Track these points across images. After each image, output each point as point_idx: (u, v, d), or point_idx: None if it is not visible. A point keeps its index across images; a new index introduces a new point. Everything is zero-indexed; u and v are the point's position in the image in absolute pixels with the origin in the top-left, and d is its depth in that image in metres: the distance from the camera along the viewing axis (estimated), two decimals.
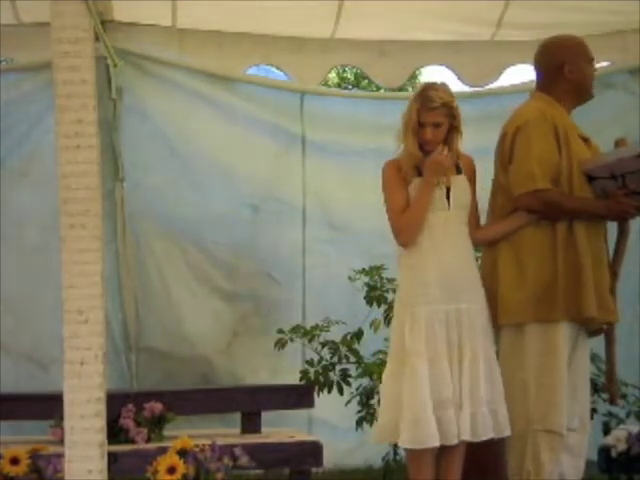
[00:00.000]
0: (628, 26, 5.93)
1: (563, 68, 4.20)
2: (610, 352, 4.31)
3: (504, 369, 4.13)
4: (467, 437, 3.99)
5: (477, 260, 4.29)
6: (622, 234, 4.25)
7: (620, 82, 6.09)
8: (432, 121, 4.08)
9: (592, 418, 5.24)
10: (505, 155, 4.14)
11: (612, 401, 4.40)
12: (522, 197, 4.07)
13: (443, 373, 4.01)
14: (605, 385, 4.41)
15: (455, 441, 4.00)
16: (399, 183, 4.11)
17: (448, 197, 4.11)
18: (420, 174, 4.10)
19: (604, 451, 4.43)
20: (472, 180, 4.23)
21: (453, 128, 4.13)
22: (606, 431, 5.18)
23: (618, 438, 4.45)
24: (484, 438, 4.03)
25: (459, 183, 4.16)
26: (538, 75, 4.30)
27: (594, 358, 5.23)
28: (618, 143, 4.24)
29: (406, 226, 4.08)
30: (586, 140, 4.21)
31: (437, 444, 3.96)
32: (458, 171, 4.18)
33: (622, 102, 6.03)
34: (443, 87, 4.14)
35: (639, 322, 5.40)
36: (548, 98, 4.19)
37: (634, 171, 4.01)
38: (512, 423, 4.08)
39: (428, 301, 4.06)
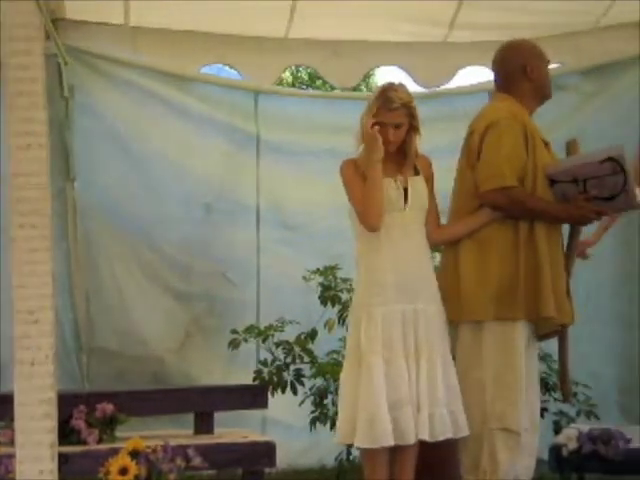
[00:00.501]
0: (580, 27, 5.99)
1: (525, 69, 4.23)
2: (563, 352, 4.35)
3: (462, 366, 4.15)
4: (425, 437, 4.00)
5: (433, 260, 4.31)
6: (574, 234, 4.30)
7: (572, 84, 6.15)
8: (393, 122, 4.09)
9: (543, 417, 5.30)
10: (473, 153, 4.16)
11: (565, 399, 4.44)
12: (489, 193, 4.09)
13: (399, 373, 4.02)
14: (558, 384, 4.45)
15: (412, 441, 4.01)
16: (358, 178, 4.10)
17: (406, 198, 4.13)
18: None
19: (555, 450, 4.46)
20: (430, 180, 4.25)
21: (412, 128, 4.14)
22: (557, 430, 5.23)
23: (569, 437, 4.48)
24: (441, 438, 4.04)
25: (417, 184, 4.18)
26: (498, 77, 4.33)
27: (545, 357, 5.29)
28: (569, 145, 4.28)
29: (366, 210, 4.07)
30: (547, 144, 4.25)
31: (391, 443, 3.97)
32: (416, 172, 4.20)
33: (574, 103, 6.09)
34: (402, 88, 4.16)
35: (589, 322, 5.44)
36: (512, 99, 4.22)
37: (596, 177, 4.05)
38: (468, 421, 4.09)
39: (384, 301, 4.07)
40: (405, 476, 4.11)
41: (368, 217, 4.08)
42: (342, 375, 4.16)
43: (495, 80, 4.36)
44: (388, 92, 4.10)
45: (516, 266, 4.09)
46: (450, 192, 4.30)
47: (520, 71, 4.25)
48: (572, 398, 4.54)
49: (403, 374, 4.02)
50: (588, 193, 4.08)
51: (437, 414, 4.03)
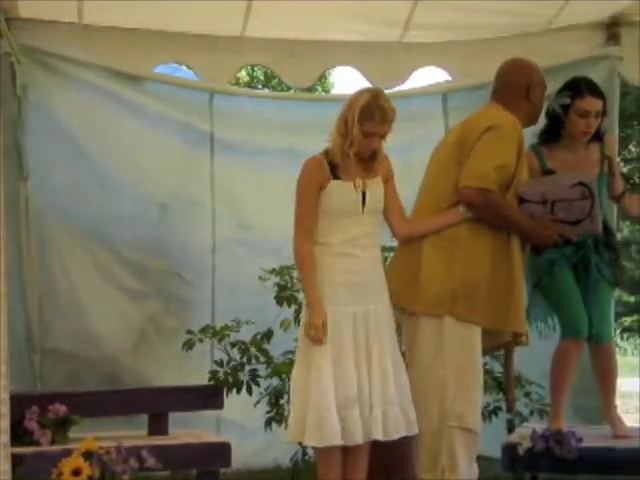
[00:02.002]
0: (532, 29, 6.03)
1: (528, 90, 4.31)
2: (508, 362, 4.41)
3: (423, 362, 4.20)
4: (379, 437, 4.04)
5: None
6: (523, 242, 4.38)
7: None
8: (382, 132, 4.14)
9: (497, 416, 5.34)
10: (465, 149, 4.20)
11: (509, 409, 4.50)
12: (467, 190, 4.14)
13: (348, 373, 4.05)
14: (504, 394, 4.51)
15: (360, 441, 4.04)
16: (314, 190, 4.14)
17: (364, 202, 4.16)
18: (337, 177, 4.14)
19: (508, 449, 4.49)
20: (390, 179, 4.29)
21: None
22: (510, 429, 5.26)
23: (522, 436, 4.51)
24: (396, 437, 4.08)
25: (374, 187, 4.21)
26: (500, 89, 4.38)
27: (499, 357, 5.32)
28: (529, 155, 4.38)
29: (301, 238, 4.14)
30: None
31: (340, 443, 4.01)
32: (374, 173, 4.23)
33: None
34: (387, 96, 4.19)
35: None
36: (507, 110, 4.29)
37: (566, 199, 4.14)
38: (426, 419, 4.13)
39: (335, 302, 4.11)
40: (357, 475, 4.14)
41: (299, 243, 4.14)
42: (293, 374, 4.20)
43: (494, 90, 4.41)
44: (381, 102, 4.12)
45: (486, 272, 4.13)
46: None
47: (524, 90, 4.32)
48: (515, 409, 4.59)
49: (352, 374, 4.06)
50: (555, 215, 4.16)
51: (390, 413, 4.07)
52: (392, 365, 4.12)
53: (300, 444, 4.53)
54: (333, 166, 4.16)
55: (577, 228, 4.20)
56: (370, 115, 4.08)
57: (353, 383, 4.04)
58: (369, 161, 4.20)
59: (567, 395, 4.63)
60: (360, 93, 4.18)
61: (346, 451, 4.11)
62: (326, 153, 4.19)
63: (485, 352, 4.34)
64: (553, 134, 4.62)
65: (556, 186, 4.18)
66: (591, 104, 4.56)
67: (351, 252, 4.14)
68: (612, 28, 6.06)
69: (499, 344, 4.29)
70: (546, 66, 6.03)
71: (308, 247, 4.15)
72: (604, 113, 4.60)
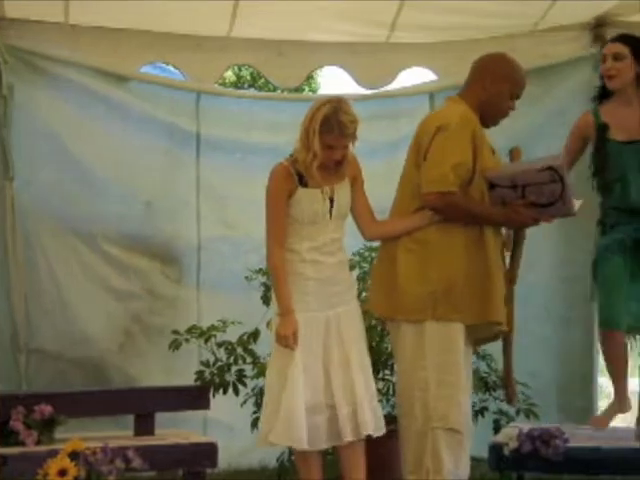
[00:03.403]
0: (518, 30, 6.05)
1: (486, 80, 4.26)
2: (507, 356, 4.40)
3: (405, 365, 4.20)
4: (349, 437, 4.11)
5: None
6: (518, 240, 4.36)
7: None
8: (343, 144, 4.15)
9: (483, 416, 5.35)
10: (420, 152, 4.19)
11: (509, 402, 4.50)
12: (430, 196, 4.13)
13: (318, 380, 4.13)
14: (503, 387, 4.51)
15: (325, 446, 4.15)
16: (283, 197, 4.17)
17: (331, 207, 4.19)
18: (303, 184, 4.15)
19: (495, 449, 4.50)
20: (357, 178, 4.31)
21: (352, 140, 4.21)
22: (497, 429, 5.27)
23: (509, 436, 4.52)
24: (364, 435, 4.15)
25: (342, 191, 4.24)
26: (467, 78, 4.36)
27: (485, 356, 5.33)
28: (512, 152, 4.35)
29: (274, 246, 4.17)
30: (493, 152, 4.30)
31: (306, 447, 4.09)
32: (342, 176, 4.25)
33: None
34: (350, 107, 4.19)
35: (529, 322, 5.50)
36: (465, 104, 4.26)
37: (535, 183, 4.12)
38: (411, 420, 4.15)
39: (305, 308, 4.18)
40: (356, 475, 4.20)
41: (271, 251, 4.17)
42: (266, 381, 4.29)
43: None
44: (341, 116, 4.11)
45: (461, 269, 4.13)
46: (388, 191, 4.33)
47: (479, 81, 4.27)
48: (516, 401, 4.59)
49: (321, 381, 4.13)
50: (526, 199, 4.14)
51: (360, 411, 4.13)
52: (361, 364, 4.18)
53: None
54: (300, 173, 4.17)
55: (550, 210, 4.17)
56: (329, 128, 4.10)
57: (322, 390, 4.12)
58: (336, 167, 4.21)
59: (623, 381, 4.61)
60: (321, 104, 4.16)
61: (340, 452, 4.19)
62: (294, 160, 4.20)
63: (477, 344, 4.34)
64: (602, 89, 4.62)
65: (524, 171, 4.15)
66: (607, 48, 4.60)
67: (319, 259, 4.20)
68: (597, 29, 6.08)
69: (490, 336, 4.29)
70: (532, 67, 6.10)
71: (280, 254, 4.18)
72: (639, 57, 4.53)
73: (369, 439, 4.23)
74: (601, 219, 4.77)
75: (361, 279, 5.13)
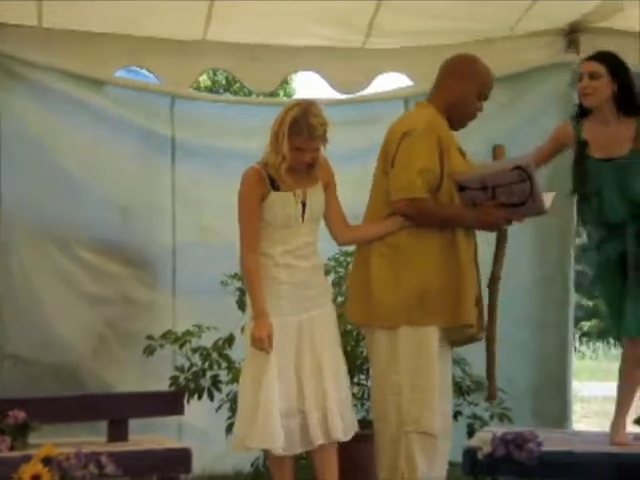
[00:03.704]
0: (496, 34, 6.07)
1: (451, 81, 4.26)
2: (490, 351, 4.41)
3: (379, 370, 4.21)
4: (320, 440, 4.11)
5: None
6: (501, 239, 4.38)
7: None
8: (312, 147, 4.15)
9: (457, 420, 5.36)
10: (388, 159, 4.20)
11: (490, 397, 4.50)
12: (399, 202, 4.14)
13: (290, 384, 4.13)
14: (485, 382, 4.52)
15: (299, 450, 4.15)
16: (256, 200, 4.17)
17: (304, 212, 4.19)
18: (277, 187, 4.16)
19: (469, 453, 4.50)
20: (330, 183, 4.32)
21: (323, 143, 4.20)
22: (471, 433, 5.28)
23: (483, 440, 4.52)
24: (335, 438, 4.15)
25: (314, 194, 4.24)
26: (434, 84, 4.37)
27: (459, 361, 5.34)
28: (496, 150, 4.35)
29: (248, 249, 4.18)
30: (463, 154, 4.30)
31: (280, 450, 4.08)
32: (315, 179, 4.25)
33: (488, 112, 6.14)
34: (319, 109, 4.19)
35: (504, 325, 5.51)
36: (433, 108, 4.26)
37: (504, 184, 4.13)
38: (385, 425, 4.15)
39: (279, 312, 4.18)
40: (328, 476, 4.20)
41: (245, 254, 4.18)
42: (240, 386, 4.28)
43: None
44: (309, 118, 4.12)
45: (434, 273, 4.13)
46: (363, 196, 4.33)
47: (445, 83, 4.28)
48: (497, 397, 4.59)
49: (293, 386, 4.13)
50: (497, 200, 4.15)
51: (330, 415, 4.13)
52: (333, 369, 4.19)
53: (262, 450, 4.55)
54: (272, 177, 4.18)
55: (521, 209, 4.18)
56: (298, 131, 4.10)
57: (294, 394, 4.12)
58: (308, 170, 4.21)
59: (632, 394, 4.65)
60: (290, 107, 4.18)
61: (313, 455, 4.19)
62: (265, 164, 4.20)
63: (454, 346, 4.35)
64: (580, 107, 4.65)
65: (493, 172, 4.16)
66: (583, 66, 4.62)
67: (293, 263, 4.20)
68: (572, 35, 6.12)
69: (465, 338, 4.30)
70: (507, 72, 6.13)
71: (254, 258, 4.18)
72: (617, 77, 4.54)
73: (344, 443, 4.24)
74: (589, 233, 4.81)
75: (336, 284, 5.13)
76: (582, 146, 4.62)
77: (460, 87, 4.25)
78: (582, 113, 4.63)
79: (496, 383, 4.46)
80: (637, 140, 4.53)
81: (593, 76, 4.53)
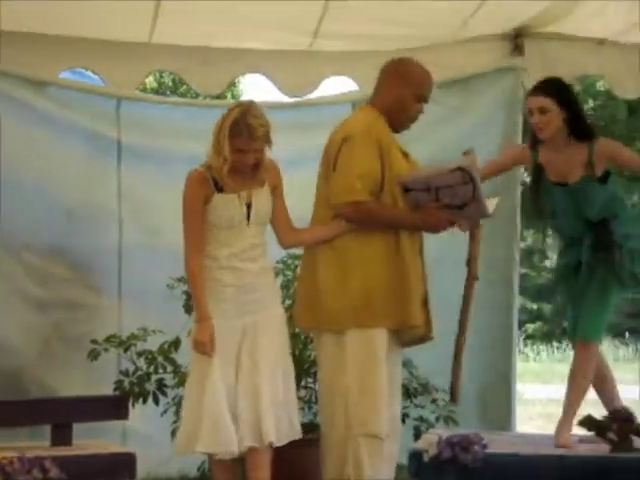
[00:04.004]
0: (442, 39, 6.11)
1: (389, 84, 4.29)
2: (457, 353, 4.45)
3: (327, 373, 4.22)
4: (248, 443, 4.11)
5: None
6: (473, 240, 4.43)
7: (434, 96, 6.23)
8: (254, 148, 4.14)
9: (404, 423, 5.37)
10: (329, 164, 4.22)
11: (453, 399, 4.54)
12: (340, 206, 4.16)
13: (231, 387, 4.12)
14: (450, 383, 4.54)
15: (244, 449, 4.11)
16: (199, 203, 4.17)
17: (249, 214, 4.18)
18: (221, 189, 4.15)
19: (415, 456, 4.52)
20: (278, 186, 4.32)
21: (266, 145, 4.20)
22: (417, 436, 5.31)
23: (429, 442, 4.55)
24: (285, 441, 4.16)
25: (260, 197, 4.23)
26: (374, 87, 4.38)
27: (406, 363, 5.36)
28: (466, 155, 4.38)
29: (192, 256, 4.17)
30: (406, 155, 4.32)
31: (234, 450, 4.08)
32: (261, 182, 4.24)
33: (436, 116, 6.19)
34: (260, 110, 4.19)
35: (450, 328, 5.54)
36: (374, 111, 4.28)
37: (448, 185, 4.15)
38: (332, 429, 4.16)
39: (223, 316, 4.17)
40: (259, 474, 4.18)
41: (188, 257, 4.18)
42: (186, 389, 4.28)
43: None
44: (249, 119, 4.12)
45: (380, 276, 4.15)
46: (310, 200, 4.34)
47: (384, 83, 4.31)
48: (458, 399, 4.62)
49: (233, 387, 4.12)
50: (440, 201, 4.18)
51: (279, 418, 4.15)
52: (273, 370, 4.17)
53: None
54: (216, 179, 4.17)
55: (464, 212, 4.22)
56: (238, 132, 4.11)
57: (234, 398, 4.11)
58: (253, 172, 4.20)
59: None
60: (231, 109, 4.19)
61: (246, 456, 4.17)
62: (209, 166, 4.20)
63: (405, 346, 4.36)
64: (534, 137, 4.73)
65: (437, 173, 4.19)
66: (530, 102, 4.68)
67: (239, 266, 4.18)
68: (517, 40, 6.18)
69: (414, 339, 4.32)
70: (453, 77, 6.17)
71: (197, 260, 4.17)
72: (566, 106, 4.61)
73: (290, 448, 4.23)
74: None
75: (284, 287, 5.13)
76: (539, 169, 4.74)
77: (397, 90, 4.28)
78: (537, 141, 4.71)
79: (460, 385, 4.48)
80: (588, 166, 4.64)
81: (542, 111, 4.61)
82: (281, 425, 4.15)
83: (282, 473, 4.27)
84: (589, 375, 4.67)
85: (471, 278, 4.47)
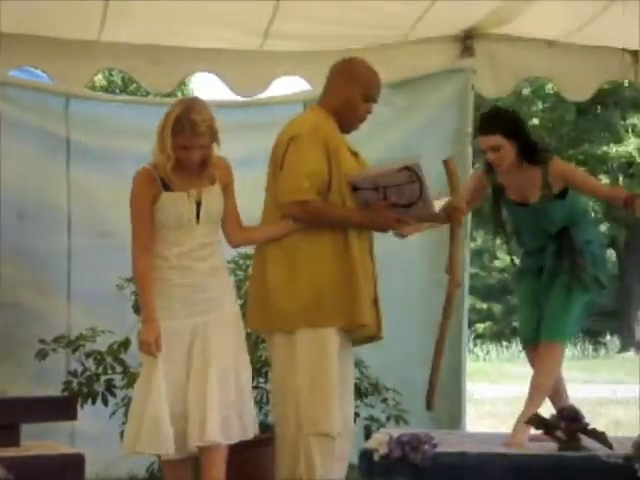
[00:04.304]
0: (392, 40, 6.13)
1: (337, 83, 4.29)
2: (435, 361, 4.48)
3: (279, 374, 4.21)
4: (220, 439, 4.08)
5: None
6: (453, 241, 4.45)
7: (382, 96, 6.25)
8: (198, 144, 4.11)
9: (355, 422, 5.38)
10: (277, 163, 4.21)
11: (429, 407, 4.55)
12: (288, 206, 4.16)
13: (179, 387, 4.10)
14: (427, 391, 4.56)
15: (191, 452, 4.11)
16: (147, 201, 4.14)
17: (199, 213, 4.15)
18: (169, 188, 4.13)
19: (366, 455, 4.53)
20: (229, 185, 4.29)
21: (212, 140, 4.17)
22: (367, 435, 5.32)
23: (379, 442, 4.55)
24: (236, 440, 4.14)
25: (211, 195, 4.20)
26: (323, 87, 4.39)
27: (358, 363, 5.37)
28: (447, 164, 4.43)
29: (139, 251, 4.15)
30: (355, 154, 4.33)
31: (172, 451, 4.06)
32: (212, 180, 4.22)
33: (385, 117, 6.21)
34: (203, 106, 4.16)
35: (399, 327, 5.57)
36: (323, 111, 4.28)
37: (395, 184, 4.16)
38: (284, 429, 4.15)
39: (172, 316, 4.13)
40: (213, 473, 4.15)
41: (136, 257, 4.16)
42: (134, 388, 4.25)
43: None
44: (191, 115, 4.09)
45: (329, 275, 4.15)
46: (262, 199, 4.33)
47: (332, 83, 4.31)
48: (433, 407, 4.63)
49: (182, 388, 4.10)
50: (388, 200, 4.19)
51: (230, 417, 4.12)
52: (233, 368, 4.16)
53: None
54: (164, 178, 4.15)
55: (412, 211, 4.23)
56: (181, 128, 4.08)
57: (181, 397, 4.09)
58: (200, 169, 4.18)
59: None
60: (174, 105, 4.17)
61: (200, 455, 4.15)
62: (156, 165, 4.17)
63: (356, 345, 4.36)
64: (490, 166, 4.76)
65: (384, 172, 4.20)
66: (481, 142, 4.71)
67: (188, 265, 4.15)
68: (467, 41, 6.22)
69: (365, 338, 4.33)
70: (403, 78, 6.20)
71: (146, 261, 4.14)
72: (515, 137, 4.65)
73: (240, 447, 4.22)
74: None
75: (236, 287, 5.11)
76: (499, 190, 4.80)
77: (345, 90, 4.28)
78: (492, 167, 4.76)
79: (436, 393, 4.50)
80: (545, 187, 4.69)
81: (495, 149, 4.67)
82: (229, 424, 4.12)
83: (235, 473, 4.25)
84: (552, 376, 4.71)
85: (453, 285, 4.48)
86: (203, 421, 4.07)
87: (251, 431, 4.21)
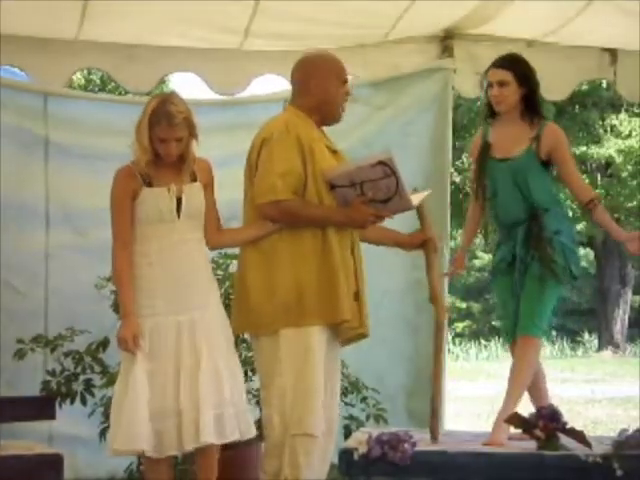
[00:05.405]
0: (371, 40, 6.14)
1: (310, 83, 4.28)
2: (435, 387, 4.53)
3: (264, 376, 4.20)
4: (212, 439, 4.05)
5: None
6: (430, 269, 4.48)
7: (362, 96, 6.27)
8: (174, 137, 4.11)
9: None
10: (252, 166, 4.22)
11: (433, 437, 4.56)
12: (263, 206, 4.15)
13: (166, 385, 4.08)
14: (429, 419, 4.57)
15: (174, 452, 4.11)
16: (127, 199, 4.14)
17: (179, 208, 4.14)
18: (150, 184, 4.13)
19: (345, 454, 4.53)
20: (209, 185, 4.29)
21: (190, 135, 4.17)
22: (347, 434, 5.32)
23: (359, 441, 4.56)
24: (232, 439, 4.12)
25: (192, 192, 4.20)
26: (292, 88, 4.38)
27: (345, 366, 5.37)
28: (419, 208, 4.43)
29: (120, 251, 4.14)
30: (335, 152, 4.32)
31: (152, 454, 4.05)
32: (193, 178, 4.22)
33: (363, 115, 6.22)
34: (179, 99, 4.18)
35: (379, 327, 5.56)
36: (297, 111, 4.28)
37: (371, 180, 4.16)
38: (270, 430, 4.14)
39: (153, 313, 4.12)
40: (206, 475, 4.15)
41: (116, 253, 4.15)
42: (114, 387, 4.22)
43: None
44: (167, 106, 4.10)
45: (308, 274, 4.15)
46: (242, 199, 4.32)
47: (305, 84, 4.30)
48: (438, 438, 4.63)
49: (169, 385, 4.08)
50: (365, 196, 4.19)
51: (224, 415, 4.10)
52: (226, 368, 4.14)
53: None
54: (144, 174, 4.14)
55: (389, 205, 4.23)
56: (157, 121, 4.09)
57: (170, 395, 4.07)
58: (180, 164, 4.18)
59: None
60: (151, 99, 4.20)
61: (195, 456, 4.15)
62: (136, 162, 4.18)
63: (344, 345, 4.36)
64: (489, 109, 4.80)
65: (359, 168, 4.20)
66: (491, 74, 4.74)
67: (170, 261, 4.14)
68: (446, 41, 6.24)
69: (351, 336, 4.32)
70: (382, 77, 6.20)
71: (124, 257, 4.14)
72: (524, 82, 4.68)
73: (225, 448, 4.21)
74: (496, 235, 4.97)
75: None
76: (485, 148, 4.79)
77: (321, 87, 4.27)
78: (493, 113, 4.78)
79: (438, 421, 4.51)
80: (534, 141, 4.69)
81: (502, 84, 4.69)
82: (224, 423, 4.10)
83: (221, 473, 4.24)
84: (530, 370, 4.70)
85: (441, 315, 4.54)
86: (197, 422, 4.05)
87: (251, 430, 4.20)
